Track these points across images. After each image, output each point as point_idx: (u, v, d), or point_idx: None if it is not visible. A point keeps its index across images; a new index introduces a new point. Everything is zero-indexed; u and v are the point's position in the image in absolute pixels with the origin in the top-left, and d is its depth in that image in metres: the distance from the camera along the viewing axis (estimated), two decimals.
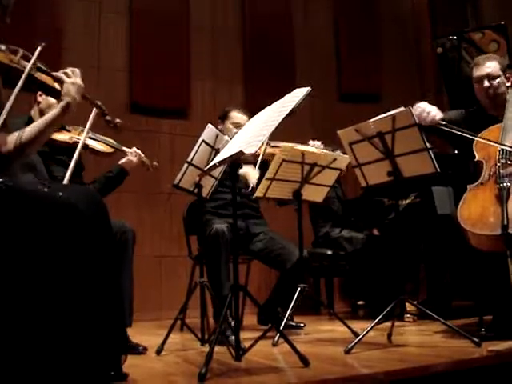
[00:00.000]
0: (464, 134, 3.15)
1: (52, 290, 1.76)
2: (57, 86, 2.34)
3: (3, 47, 2.13)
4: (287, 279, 3.99)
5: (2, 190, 1.82)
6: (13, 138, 2.16)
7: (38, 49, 2.20)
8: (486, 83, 3.45)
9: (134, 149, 3.82)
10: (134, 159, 3.79)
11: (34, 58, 2.17)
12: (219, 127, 4.06)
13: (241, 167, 4.06)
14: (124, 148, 3.79)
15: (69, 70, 2.38)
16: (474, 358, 2.53)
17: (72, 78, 2.36)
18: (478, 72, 3.50)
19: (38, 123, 2.29)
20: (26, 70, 2.09)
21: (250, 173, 4.06)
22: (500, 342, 2.68)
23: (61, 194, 1.90)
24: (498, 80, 3.44)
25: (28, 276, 1.75)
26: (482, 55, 3.97)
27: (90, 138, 3.56)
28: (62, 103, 2.31)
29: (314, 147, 4.18)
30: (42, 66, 2.30)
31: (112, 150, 3.69)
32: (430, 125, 3.26)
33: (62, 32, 5.60)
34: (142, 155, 3.85)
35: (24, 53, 2.16)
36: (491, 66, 3.48)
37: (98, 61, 5.82)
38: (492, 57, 3.61)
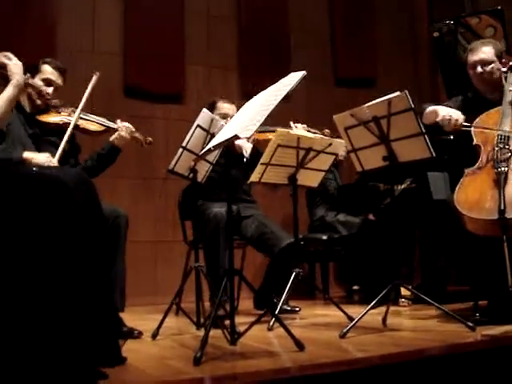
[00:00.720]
0: (487, 131, 3.15)
1: (41, 271, 1.75)
2: None
3: None
4: (276, 264, 4.03)
5: None
6: None
7: None
8: (479, 69, 3.44)
9: (125, 124, 3.68)
10: (125, 135, 3.63)
11: None
12: None
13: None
14: (115, 125, 3.66)
15: (2, 56, 2.68)
16: (468, 342, 2.54)
17: (12, 60, 2.68)
18: (472, 57, 3.49)
19: None
20: None
21: (245, 144, 4.05)
22: (494, 327, 2.69)
23: (50, 172, 1.89)
24: (491, 65, 3.43)
25: (16, 257, 1.74)
26: (478, 40, 3.95)
27: (81, 118, 3.50)
28: (14, 82, 2.59)
29: (299, 130, 4.18)
30: None
31: (103, 128, 3.61)
32: (453, 130, 3.25)
33: (56, 17, 5.55)
34: (133, 130, 3.71)
35: None
36: (485, 51, 3.46)
37: (93, 45, 5.78)
38: (488, 42, 3.59)
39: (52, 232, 1.78)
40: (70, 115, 3.45)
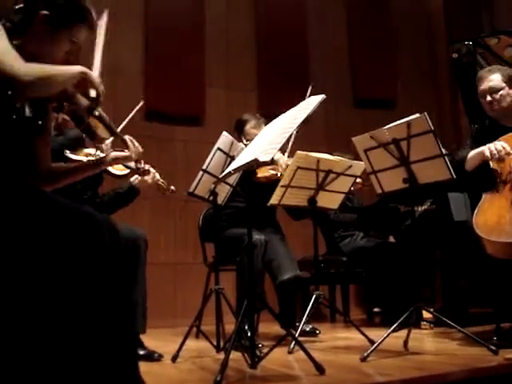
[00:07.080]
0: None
1: (62, 293, 1.77)
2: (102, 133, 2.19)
3: None
4: (279, 295, 4.02)
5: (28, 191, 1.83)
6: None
7: None
8: (489, 98, 3.38)
9: (152, 169, 3.58)
10: (150, 181, 3.56)
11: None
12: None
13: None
14: (141, 167, 3.50)
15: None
16: (491, 366, 2.51)
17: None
18: (481, 87, 3.44)
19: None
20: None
21: (281, 158, 3.96)
22: None
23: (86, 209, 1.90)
24: (500, 93, 3.35)
25: (38, 280, 1.75)
26: (496, 61, 3.95)
27: None
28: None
29: None
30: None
31: (127, 171, 3.43)
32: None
33: None
34: (158, 177, 3.62)
35: None
36: (493, 79, 3.39)
37: (113, 67, 5.84)
38: (495, 69, 3.52)
39: (72, 256, 1.79)
40: (97, 151, 3.27)
